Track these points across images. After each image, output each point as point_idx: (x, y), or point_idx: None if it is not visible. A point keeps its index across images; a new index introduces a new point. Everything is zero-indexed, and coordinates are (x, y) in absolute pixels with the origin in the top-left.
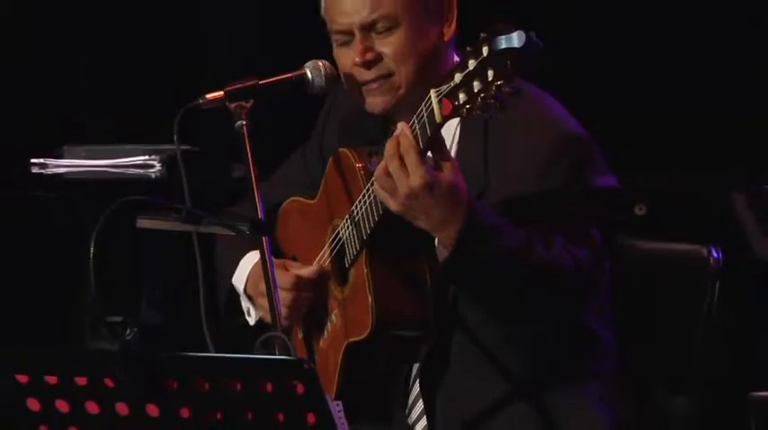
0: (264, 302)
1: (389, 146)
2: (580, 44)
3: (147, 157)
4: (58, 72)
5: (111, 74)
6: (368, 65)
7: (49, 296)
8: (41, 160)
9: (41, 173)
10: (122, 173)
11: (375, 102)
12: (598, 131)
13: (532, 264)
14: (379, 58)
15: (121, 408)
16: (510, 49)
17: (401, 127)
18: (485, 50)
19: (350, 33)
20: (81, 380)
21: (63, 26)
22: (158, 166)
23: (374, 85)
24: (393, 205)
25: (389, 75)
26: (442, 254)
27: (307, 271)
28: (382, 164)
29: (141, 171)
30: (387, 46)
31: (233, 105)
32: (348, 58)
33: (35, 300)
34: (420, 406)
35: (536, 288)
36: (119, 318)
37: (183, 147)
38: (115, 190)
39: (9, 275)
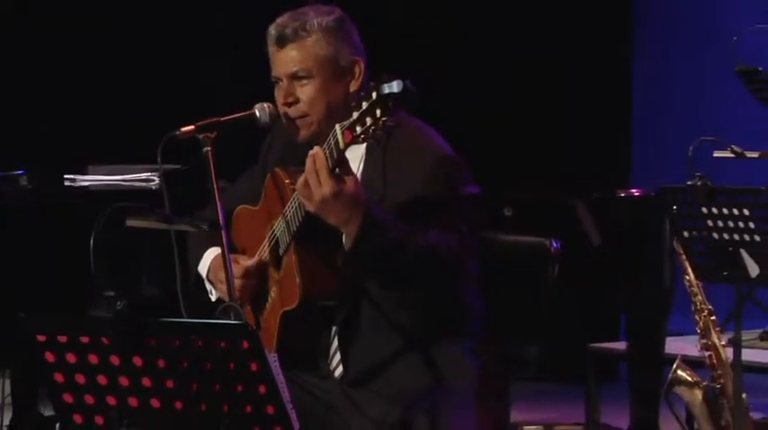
0: (222, 286)
1: (308, 164)
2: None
3: (149, 174)
4: (85, 109)
5: (127, 111)
6: (289, 105)
7: (69, 277)
8: (72, 176)
9: (71, 185)
10: (130, 185)
11: (299, 133)
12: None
13: (414, 249)
14: (297, 100)
15: (114, 360)
16: (391, 94)
17: (316, 149)
18: (374, 95)
19: (281, 79)
20: (84, 339)
21: (109, 70)
22: (157, 180)
23: (297, 122)
24: (311, 207)
25: (305, 115)
26: (347, 244)
27: (250, 262)
28: (302, 177)
29: (144, 184)
30: (302, 93)
31: (201, 136)
32: (279, 97)
33: (58, 279)
34: (339, 357)
35: (417, 266)
36: (113, 293)
37: (167, 166)
38: (124, 198)
39: (43, 262)
